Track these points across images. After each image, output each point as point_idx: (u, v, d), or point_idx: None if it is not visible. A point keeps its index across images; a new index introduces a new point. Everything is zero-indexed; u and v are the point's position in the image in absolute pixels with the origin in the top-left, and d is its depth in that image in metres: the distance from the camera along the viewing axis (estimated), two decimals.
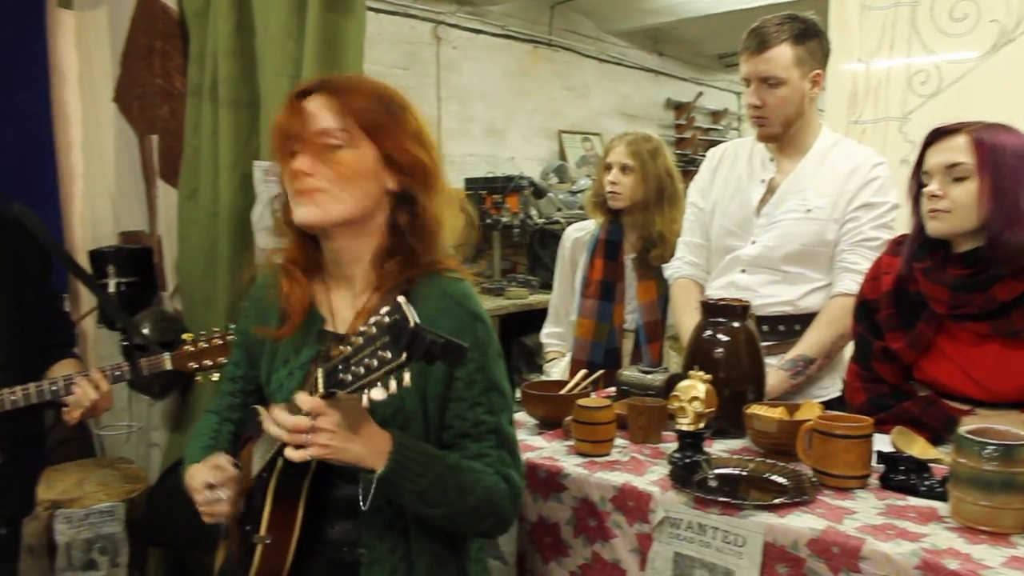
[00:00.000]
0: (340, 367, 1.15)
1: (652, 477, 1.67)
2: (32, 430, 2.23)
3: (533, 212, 5.01)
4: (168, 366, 2.16)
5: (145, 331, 3.10)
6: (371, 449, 1.27)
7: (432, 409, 1.39)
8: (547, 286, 4.46)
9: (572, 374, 2.48)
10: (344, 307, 1.45)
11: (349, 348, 1.14)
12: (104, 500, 2.91)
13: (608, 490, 1.65)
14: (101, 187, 3.71)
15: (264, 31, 2.70)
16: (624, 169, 2.92)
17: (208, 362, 2.17)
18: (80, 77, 3.71)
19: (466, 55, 5.42)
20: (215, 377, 2.19)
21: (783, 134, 2.34)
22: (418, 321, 1.07)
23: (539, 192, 5.04)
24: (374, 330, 1.11)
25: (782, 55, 2.24)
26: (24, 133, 3.57)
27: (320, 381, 1.20)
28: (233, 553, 1.51)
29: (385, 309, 1.10)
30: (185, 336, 2.20)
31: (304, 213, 1.36)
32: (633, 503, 1.62)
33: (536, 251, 5.01)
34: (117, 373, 2.12)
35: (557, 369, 3.02)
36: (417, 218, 1.40)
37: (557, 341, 3.16)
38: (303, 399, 1.22)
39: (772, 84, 2.26)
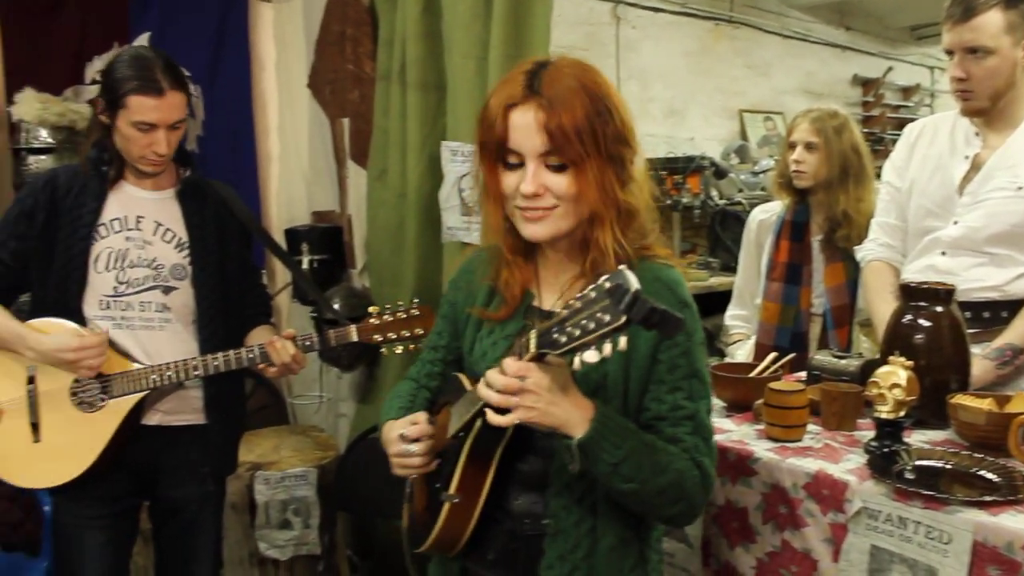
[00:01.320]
0: (555, 329, 1.16)
1: (848, 465, 1.61)
2: (234, 394, 2.38)
3: (714, 193, 4.89)
4: (354, 338, 2.23)
5: (335, 306, 3.24)
6: (574, 415, 1.29)
7: (633, 390, 1.39)
8: (727, 268, 4.36)
9: (757, 358, 2.43)
10: (552, 285, 1.48)
11: (565, 311, 1.15)
12: (298, 465, 3.07)
13: (801, 477, 1.61)
14: (296, 169, 3.92)
15: (452, 14, 2.76)
16: (808, 147, 2.82)
17: (392, 335, 2.22)
18: (277, 65, 3.93)
19: (646, 34, 5.34)
20: (399, 350, 2.25)
21: (991, 108, 2.18)
22: (640, 287, 1.08)
23: (720, 173, 4.92)
24: (593, 294, 1.12)
25: (991, 22, 2.08)
26: (227, 119, 3.82)
27: (532, 341, 1.21)
28: (418, 514, 1.55)
29: (605, 276, 1.11)
30: (372, 309, 2.26)
31: (535, 231, 1.39)
32: (828, 491, 1.56)
33: (717, 232, 4.90)
34: (307, 343, 2.22)
35: (742, 352, 2.96)
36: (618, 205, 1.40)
37: (742, 323, 3.09)
38: (509, 363, 1.25)
39: (979, 55, 2.11)
